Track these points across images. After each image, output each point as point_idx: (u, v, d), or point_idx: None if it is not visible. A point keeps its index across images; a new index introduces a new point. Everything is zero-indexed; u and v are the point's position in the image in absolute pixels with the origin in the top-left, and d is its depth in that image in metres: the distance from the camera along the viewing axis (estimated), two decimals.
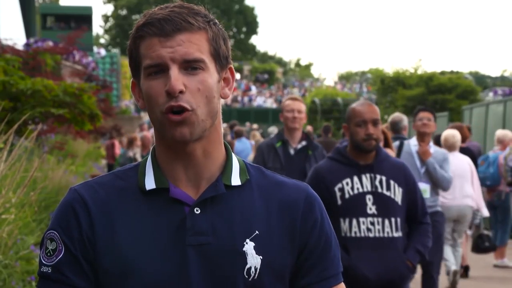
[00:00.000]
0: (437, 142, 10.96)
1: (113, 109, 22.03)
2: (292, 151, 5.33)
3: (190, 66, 1.47)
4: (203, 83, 1.47)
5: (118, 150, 15.57)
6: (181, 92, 1.45)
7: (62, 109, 7.30)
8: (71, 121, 7.72)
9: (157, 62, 1.47)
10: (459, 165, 7.18)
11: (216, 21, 1.54)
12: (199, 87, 1.47)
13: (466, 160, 7.37)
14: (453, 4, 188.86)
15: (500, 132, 9.75)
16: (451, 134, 7.42)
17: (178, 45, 1.46)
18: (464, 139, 8.53)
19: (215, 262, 1.49)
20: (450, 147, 7.31)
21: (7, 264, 4.25)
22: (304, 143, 5.36)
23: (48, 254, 1.51)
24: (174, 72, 1.45)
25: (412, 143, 6.25)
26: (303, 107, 5.43)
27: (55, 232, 1.52)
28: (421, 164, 6.11)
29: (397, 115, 7.52)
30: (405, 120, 7.31)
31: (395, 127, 7.18)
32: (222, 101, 1.58)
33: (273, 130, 19.77)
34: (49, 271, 1.50)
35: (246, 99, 46.10)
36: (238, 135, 13.30)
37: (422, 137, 6.18)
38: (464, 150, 8.01)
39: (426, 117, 6.18)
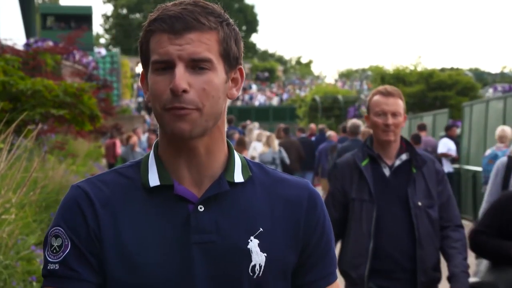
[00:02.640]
0: (417, 140, 11.36)
1: (114, 108, 22.05)
2: (387, 172, 3.46)
3: (198, 65, 1.46)
4: (209, 83, 1.46)
5: (119, 149, 15.57)
6: (184, 91, 1.44)
7: (62, 109, 7.31)
8: (71, 121, 7.73)
9: (164, 59, 1.45)
10: None
11: (230, 21, 1.53)
12: (205, 87, 1.46)
13: None
14: (453, 1, 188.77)
15: (507, 129, 9.39)
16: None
17: (186, 44, 1.45)
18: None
19: (219, 260, 1.48)
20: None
21: (7, 265, 4.25)
22: (404, 156, 3.46)
23: (54, 251, 1.48)
24: (180, 70, 1.44)
25: None
26: (400, 105, 3.40)
27: (60, 228, 1.49)
28: None
29: (355, 121, 9.01)
30: (362, 126, 8.84)
31: (354, 131, 8.51)
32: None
33: (254, 126, 15.95)
34: (56, 268, 1.47)
35: (246, 97, 46.06)
36: None
37: None
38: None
39: None
